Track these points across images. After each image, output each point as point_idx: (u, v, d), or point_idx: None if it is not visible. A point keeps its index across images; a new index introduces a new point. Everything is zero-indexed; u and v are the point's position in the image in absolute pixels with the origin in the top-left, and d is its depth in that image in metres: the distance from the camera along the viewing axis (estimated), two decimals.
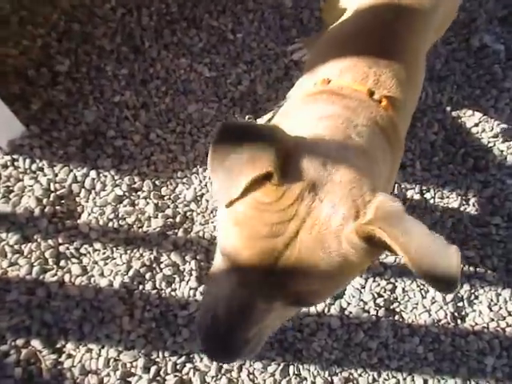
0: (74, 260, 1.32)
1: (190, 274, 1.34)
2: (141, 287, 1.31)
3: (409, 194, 1.50)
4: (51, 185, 1.38)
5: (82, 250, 1.33)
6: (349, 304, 1.38)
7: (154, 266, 1.33)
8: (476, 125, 1.58)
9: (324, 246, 0.61)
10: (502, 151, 1.56)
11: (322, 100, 0.85)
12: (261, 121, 1.48)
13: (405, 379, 1.32)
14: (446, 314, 1.40)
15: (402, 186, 1.50)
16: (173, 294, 1.32)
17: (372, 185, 0.66)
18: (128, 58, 1.54)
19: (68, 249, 1.33)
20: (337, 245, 0.61)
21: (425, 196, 1.50)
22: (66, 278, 1.29)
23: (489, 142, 1.57)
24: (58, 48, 1.53)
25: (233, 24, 1.62)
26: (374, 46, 0.94)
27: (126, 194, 1.40)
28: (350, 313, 1.37)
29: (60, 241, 1.33)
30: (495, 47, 1.62)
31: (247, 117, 1.52)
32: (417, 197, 1.50)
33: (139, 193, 1.42)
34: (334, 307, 1.36)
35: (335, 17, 1.12)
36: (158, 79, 1.53)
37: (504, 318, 1.41)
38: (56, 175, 1.40)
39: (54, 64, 1.51)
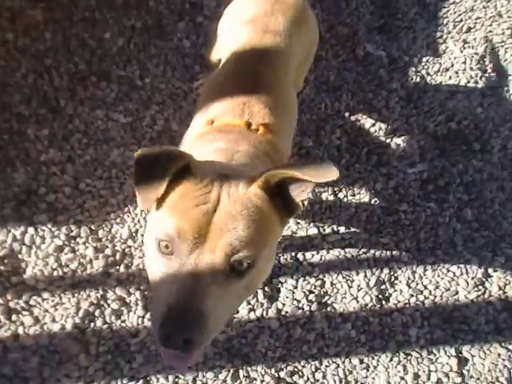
0: (24, 313, 1.53)
1: (136, 304, 1.57)
2: (92, 324, 1.53)
3: (324, 196, 1.78)
4: None
5: (32, 302, 1.54)
6: (284, 305, 1.64)
7: (102, 303, 1.56)
8: (373, 125, 1.89)
9: (240, 203, 0.86)
10: (398, 145, 1.87)
11: (208, 140, 1.13)
12: None
13: (343, 362, 1.59)
14: (372, 298, 1.67)
15: (317, 191, 1.79)
16: (123, 325, 1.54)
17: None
18: (47, 119, 1.78)
19: (18, 303, 1.53)
20: (247, 199, 0.87)
21: (338, 196, 1.79)
22: (20, 330, 1.50)
23: (387, 138, 1.88)
24: None
25: (140, 71, 1.89)
26: (244, 86, 1.22)
27: (66, 242, 1.63)
28: (286, 312, 1.63)
29: (9, 297, 1.54)
30: (377, 53, 1.95)
31: None
32: (331, 197, 1.79)
33: (78, 239, 1.64)
34: (272, 310, 1.62)
35: (218, 62, 1.41)
36: (79, 133, 1.77)
37: (421, 292, 1.70)
38: None
39: None
